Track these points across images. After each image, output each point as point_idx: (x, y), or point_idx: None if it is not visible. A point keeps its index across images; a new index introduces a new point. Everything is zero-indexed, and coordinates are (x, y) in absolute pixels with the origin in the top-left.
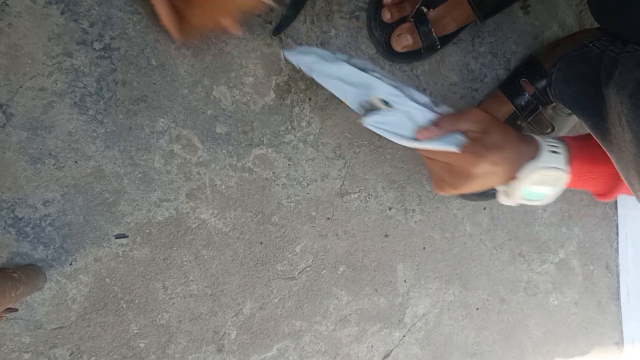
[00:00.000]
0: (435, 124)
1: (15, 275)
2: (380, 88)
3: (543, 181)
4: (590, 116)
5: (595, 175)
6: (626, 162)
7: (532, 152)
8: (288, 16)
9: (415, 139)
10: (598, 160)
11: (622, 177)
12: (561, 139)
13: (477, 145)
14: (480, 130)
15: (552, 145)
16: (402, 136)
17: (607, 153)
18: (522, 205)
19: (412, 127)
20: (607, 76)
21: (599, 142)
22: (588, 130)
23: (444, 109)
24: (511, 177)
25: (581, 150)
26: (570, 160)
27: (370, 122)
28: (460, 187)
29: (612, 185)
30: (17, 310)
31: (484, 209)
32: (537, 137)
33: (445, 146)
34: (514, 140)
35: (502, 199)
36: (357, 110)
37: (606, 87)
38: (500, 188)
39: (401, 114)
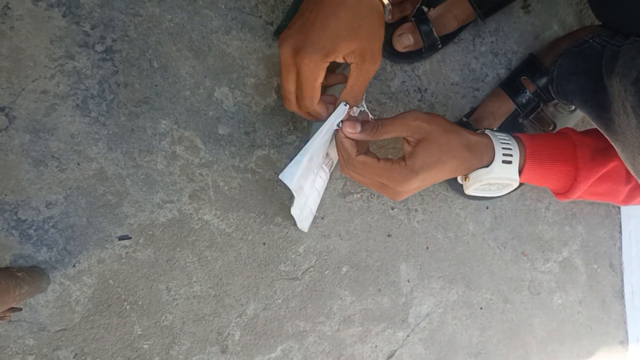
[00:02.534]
0: (370, 127)
1: (19, 274)
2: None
3: (492, 186)
4: (594, 108)
5: (551, 175)
6: (632, 149)
7: (484, 159)
8: (289, 17)
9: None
10: (554, 160)
11: (628, 166)
12: (518, 139)
13: (405, 165)
14: (416, 138)
15: (506, 153)
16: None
17: (612, 143)
18: (525, 204)
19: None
20: (608, 68)
21: (603, 133)
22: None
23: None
24: (463, 174)
25: (536, 151)
26: (524, 162)
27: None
28: (398, 198)
29: (570, 185)
30: (20, 309)
31: (487, 208)
32: (494, 140)
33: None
34: (454, 150)
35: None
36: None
37: (609, 78)
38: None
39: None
